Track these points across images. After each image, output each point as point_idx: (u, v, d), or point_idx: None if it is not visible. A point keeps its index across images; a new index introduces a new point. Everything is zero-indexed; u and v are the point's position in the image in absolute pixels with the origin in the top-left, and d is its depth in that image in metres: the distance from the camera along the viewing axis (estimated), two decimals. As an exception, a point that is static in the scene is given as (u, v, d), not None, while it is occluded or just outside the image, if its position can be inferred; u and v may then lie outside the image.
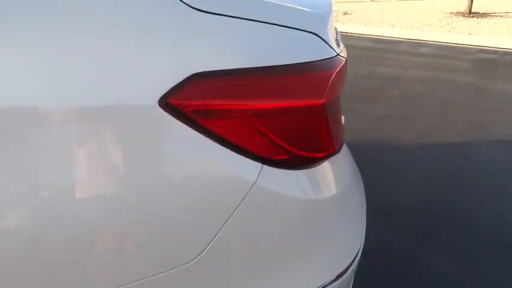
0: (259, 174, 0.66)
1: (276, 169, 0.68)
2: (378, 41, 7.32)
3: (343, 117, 0.93)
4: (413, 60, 5.78)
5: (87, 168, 0.57)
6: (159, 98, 0.58)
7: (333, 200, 0.78)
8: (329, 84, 0.69)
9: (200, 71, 0.60)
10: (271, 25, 0.68)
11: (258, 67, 0.64)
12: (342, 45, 0.93)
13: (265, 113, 0.65)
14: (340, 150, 0.78)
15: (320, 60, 0.70)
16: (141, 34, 0.59)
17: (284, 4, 0.75)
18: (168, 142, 0.60)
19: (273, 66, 0.65)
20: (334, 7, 0.94)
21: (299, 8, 0.77)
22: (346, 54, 0.89)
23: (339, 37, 0.94)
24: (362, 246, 0.92)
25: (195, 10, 0.62)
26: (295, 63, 0.66)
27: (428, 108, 3.79)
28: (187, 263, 0.65)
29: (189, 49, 0.60)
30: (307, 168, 0.74)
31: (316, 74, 0.69)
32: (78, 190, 0.57)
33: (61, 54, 0.55)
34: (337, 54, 0.77)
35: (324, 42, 0.74)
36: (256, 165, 0.66)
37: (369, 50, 6.53)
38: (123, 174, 0.59)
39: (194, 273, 0.66)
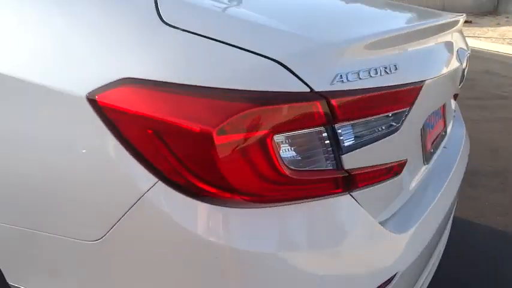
0: (150, 188, 0.63)
1: (175, 192, 0.63)
2: None
3: None
4: None
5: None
6: (89, 91, 0.64)
7: (252, 259, 0.65)
8: (231, 118, 0.61)
9: (132, 76, 0.64)
10: (226, 45, 0.65)
11: (180, 83, 0.62)
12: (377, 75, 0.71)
13: (168, 129, 0.62)
14: (285, 199, 0.67)
15: (252, 90, 0.62)
16: (93, 31, 0.68)
17: (259, 25, 0.71)
18: (82, 133, 0.66)
19: (194, 85, 0.62)
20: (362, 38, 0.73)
21: (277, 30, 0.70)
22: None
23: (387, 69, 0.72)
24: None
25: (164, 24, 0.66)
26: (211, 87, 0.62)
27: None
28: (88, 240, 0.69)
29: (133, 56, 0.65)
30: (225, 206, 0.65)
31: (225, 103, 0.61)
32: None
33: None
34: (313, 91, 0.64)
35: (289, 73, 0.63)
36: (150, 178, 0.63)
37: None
38: (32, 150, 0.69)
39: (92, 251, 0.70)
